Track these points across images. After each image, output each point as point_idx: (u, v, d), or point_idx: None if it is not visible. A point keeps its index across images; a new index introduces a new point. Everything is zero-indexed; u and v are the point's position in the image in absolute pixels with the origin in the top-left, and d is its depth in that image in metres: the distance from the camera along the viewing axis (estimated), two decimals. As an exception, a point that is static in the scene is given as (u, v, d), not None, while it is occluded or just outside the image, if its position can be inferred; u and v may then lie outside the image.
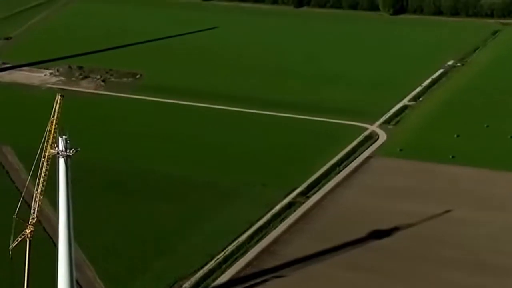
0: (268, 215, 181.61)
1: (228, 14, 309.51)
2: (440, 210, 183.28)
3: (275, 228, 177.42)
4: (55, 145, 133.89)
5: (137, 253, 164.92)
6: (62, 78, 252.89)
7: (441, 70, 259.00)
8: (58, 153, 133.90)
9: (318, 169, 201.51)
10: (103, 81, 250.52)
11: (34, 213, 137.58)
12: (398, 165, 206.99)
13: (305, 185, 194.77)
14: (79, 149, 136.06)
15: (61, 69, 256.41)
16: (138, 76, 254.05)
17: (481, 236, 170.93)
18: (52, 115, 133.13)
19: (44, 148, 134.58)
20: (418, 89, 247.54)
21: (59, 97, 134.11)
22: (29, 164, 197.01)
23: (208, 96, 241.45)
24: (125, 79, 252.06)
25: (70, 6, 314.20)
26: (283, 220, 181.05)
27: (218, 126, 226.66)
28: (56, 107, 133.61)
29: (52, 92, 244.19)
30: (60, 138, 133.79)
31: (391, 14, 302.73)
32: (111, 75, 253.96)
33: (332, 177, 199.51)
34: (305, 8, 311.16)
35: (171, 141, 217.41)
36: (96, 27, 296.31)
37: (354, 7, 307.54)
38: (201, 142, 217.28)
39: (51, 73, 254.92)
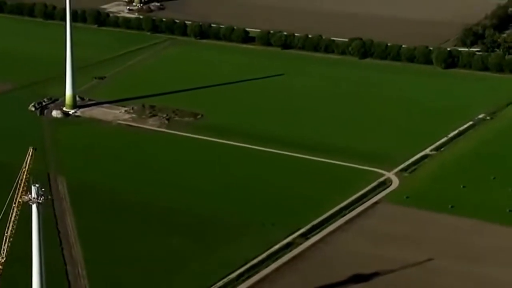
0: (265, 254, 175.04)
1: (296, 62, 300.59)
2: (423, 258, 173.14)
3: (266, 267, 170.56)
4: (28, 193, 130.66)
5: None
6: (133, 115, 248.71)
7: (470, 123, 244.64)
8: (30, 199, 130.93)
9: (327, 212, 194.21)
10: (168, 119, 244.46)
11: (3, 253, 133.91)
12: (400, 212, 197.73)
13: (309, 226, 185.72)
14: (49, 196, 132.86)
15: (135, 107, 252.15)
16: (199, 116, 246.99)
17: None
18: (24, 166, 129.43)
19: (15, 196, 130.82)
20: (444, 139, 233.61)
21: (32, 150, 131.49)
22: (75, 196, 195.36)
23: (255, 138, 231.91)
24: (186, 119, 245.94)
25: (167, 50, 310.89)
26: (277, 259, 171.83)
27: (252, 165, 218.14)
28: (28, 159, 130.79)
29: (121, 129, 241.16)
30: (33, 187, 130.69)
31: (443, 68, 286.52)
32: (176, 114, 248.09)
33: (337, 220, 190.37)
34: (368, 60, 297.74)
35: (204, 178, 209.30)
36: (180, 70, 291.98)
37: (411, 60, 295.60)
38: (232, 181, 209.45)
39: (126, 111, 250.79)
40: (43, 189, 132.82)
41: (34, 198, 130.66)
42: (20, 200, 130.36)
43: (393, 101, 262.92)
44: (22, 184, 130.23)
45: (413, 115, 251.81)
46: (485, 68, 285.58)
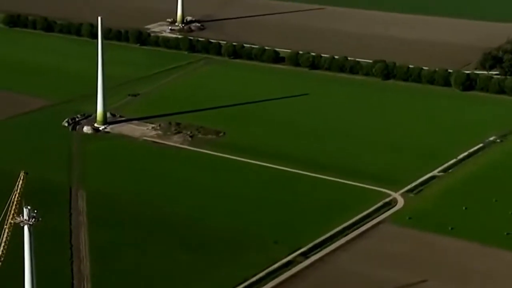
0: (264, 272, 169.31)
1: (322, 82, 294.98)
2: (416, 279, 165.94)
3: (263, 286, 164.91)
4: (20, 214, 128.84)
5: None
6: (159, 132, 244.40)
7: (480, 145, 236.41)
8: (22, 221, 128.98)
9: (331, 231, 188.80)
10: (191, 136, 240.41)
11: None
12: (401, 233, 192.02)
13: (311, 245, 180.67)
14: (40, 218, 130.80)
15: (162, 124, 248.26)
16: (221, 134, 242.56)
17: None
18: (16, 189, 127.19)
19: (7, 217, 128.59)
20: (453, 161, 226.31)
21: (23, 174, 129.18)
22: (93, 210, 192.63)
23: (271, 156, 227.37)
24: (209, 136, 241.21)
25: (201, 69, 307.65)
26: (275, 278, 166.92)
27: (264, 183, 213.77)
28: (20, 182, 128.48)
29: (146, 145, 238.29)
30: (24, 209, 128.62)
31: (461, 90, 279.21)
32: (199, 131, 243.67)
33: (339, 239, 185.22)
34: (391, 81, 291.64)
35: (216, 195, 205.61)
36: (211, 88, 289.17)
37: (431, 82, 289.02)
38: (244, 198, 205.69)
39: (153, 127, 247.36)
40: (35, 211, 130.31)
41: (25, 220, 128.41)
42: (11, 222, 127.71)
43: (408, 122, 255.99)
44: (13, 206, 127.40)
45: (426, 136, 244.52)
46: (502, 91, 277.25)
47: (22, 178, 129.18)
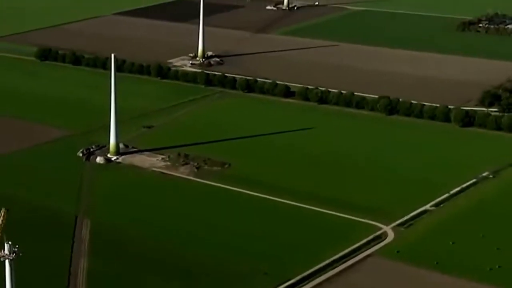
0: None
1: (329, 116, 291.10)
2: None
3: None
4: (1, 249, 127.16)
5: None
6: (168, 163, 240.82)
7: (473, 180, 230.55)
8: (3, 256, 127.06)
9: (320, 263, 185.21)
10: (197, 168, 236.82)
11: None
12: (388, 266, 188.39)
13: (299, 277, 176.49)
14: (21, 253, 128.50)
15: (171, 156, 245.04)
16: (226, 166, 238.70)
17: None
18: None
19: None
20: (445, 195, 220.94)
21: (4, 210, 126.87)
22: (95, 239, 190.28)
23: (272, 189, 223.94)
24: (214, 168, 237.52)
25: (215, 103, 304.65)
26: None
27: (261, 215, 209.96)
28: (0, 219, 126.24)
29: (154, 176, 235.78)
30: (6, 244, 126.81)
31: (460, 126, 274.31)
32: (206, 163, 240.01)
33: (327, 272, 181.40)
34: (394, 116, 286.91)
35: (215, 226, 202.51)
36: (222, 121, 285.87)
37: (432, 118, 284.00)
38: (240, 230, 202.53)
39: (162, 158, 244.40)
40: (17, 246, 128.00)
41: (6, 254, 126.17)
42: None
43: (406, 157, 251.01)
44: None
45: (421, 171, 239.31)
46: (499, 128, 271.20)
47: (2, 214, 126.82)
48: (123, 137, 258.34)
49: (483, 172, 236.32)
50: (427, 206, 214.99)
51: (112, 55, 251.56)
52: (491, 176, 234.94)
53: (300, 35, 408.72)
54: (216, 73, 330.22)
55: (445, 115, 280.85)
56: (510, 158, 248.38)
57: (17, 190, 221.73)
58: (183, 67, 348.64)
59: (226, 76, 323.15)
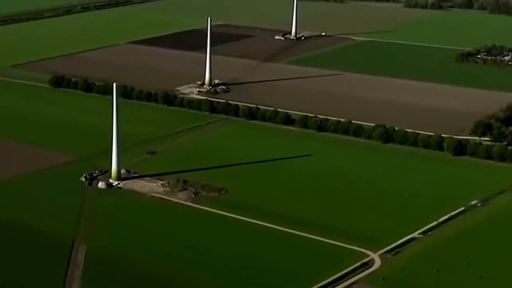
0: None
1: (327, 144, 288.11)
2: None
3: None
4: None
5: None
6: (167, 189, 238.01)
7: (462, 208, 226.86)
8: None
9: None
10: (195, 194, 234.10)
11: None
12: None
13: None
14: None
15: (171, 181, 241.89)
16: (223, 192, 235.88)
17: None
18: None
19: None
20: (434, 223, 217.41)
21: None
22: (90, 264, 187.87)
23: (266, 215, 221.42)
24: (211, 193, 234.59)
25: (218, 129, 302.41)
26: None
27: (252, 240, 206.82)
28: None
29: (152, 201, 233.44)
30: None
31: (452, 155, 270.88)
32: (204, 188, 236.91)
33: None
34: (390, 144, 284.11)
35: (205, 251, 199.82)
36: (223, 147, 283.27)
37: (426, 146, 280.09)
38: (230, 256, 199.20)
39: (162, 184, 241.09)
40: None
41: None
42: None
43: (399, 184, 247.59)
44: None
45: (412, 198, 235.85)
46: (490, 157, 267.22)
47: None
48: (127, 162, 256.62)
49: (472, 201, 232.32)
50: (415, 234, 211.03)
51: (114, 84, 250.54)
52: (479, 204, 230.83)
53: (305, 65, 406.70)
54: (220, 100, 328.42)
55: (438, 144, 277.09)
56: (499, 186, 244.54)
57: (17, 213, 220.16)
58: (190, 94, 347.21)
59: (230, 104, 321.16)
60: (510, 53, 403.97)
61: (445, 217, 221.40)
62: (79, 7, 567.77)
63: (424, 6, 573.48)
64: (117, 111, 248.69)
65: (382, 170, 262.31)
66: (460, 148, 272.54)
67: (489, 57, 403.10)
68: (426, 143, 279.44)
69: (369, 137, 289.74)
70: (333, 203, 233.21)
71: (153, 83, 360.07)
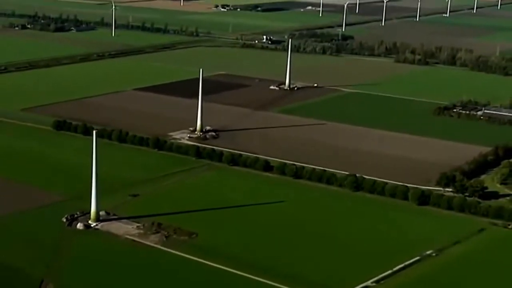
0: None
1: (301, 191, 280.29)
2: None
3: None
4: None
5: None
6: (141, 231, 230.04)
7: (417, 258, 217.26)
8: None
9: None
10: (166, 237, 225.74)
11: None
12: None
13: None
14: None
15: (146, 224, 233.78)
16: (193, 236, 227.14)
17: None
18: None
19: None
20: (388, 272, 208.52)
21: None
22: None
23: (231, 260, 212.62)
24: (182, 237, 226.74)
25: (201, 174, 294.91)
26: None
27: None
28: None
29: (125, 243, 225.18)
30: None
31: (416, 205, 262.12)
32: (175, 232, 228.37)
33: None
34: (360, 193, 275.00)
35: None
36: (203, 193, 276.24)
37: (393, 196, 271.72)
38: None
39: (137, 226, 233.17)
40: None
41: None
42: None
43: (361, 232, 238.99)
44: None
45: (371, 247, 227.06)
46: (450, 208, 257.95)
47: None
48: (110, 204, 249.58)
49: (428, 250, 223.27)
50: (369, 282, 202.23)
51: (94, 132, 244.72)
52: (434, 254, 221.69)
53: (293, 113, 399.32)
54: (206, 146, 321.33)
55: (404, 194, 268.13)
56: (456, 237, 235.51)
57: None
58: (181, 139, 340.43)
59: (214, 150, 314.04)
60: (483, 108, 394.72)
61: (400, 266, 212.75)
62: (95, 55, 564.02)
63: (412, 62, 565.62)
64: (96, 156, 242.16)
65: (348, 218, 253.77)
66: (423, 199, 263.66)
67: (464, 111, 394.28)
68: (393, 192, 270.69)
69: (340, 185, 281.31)
70: (299, 251, 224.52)
71: (150, 127, 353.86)
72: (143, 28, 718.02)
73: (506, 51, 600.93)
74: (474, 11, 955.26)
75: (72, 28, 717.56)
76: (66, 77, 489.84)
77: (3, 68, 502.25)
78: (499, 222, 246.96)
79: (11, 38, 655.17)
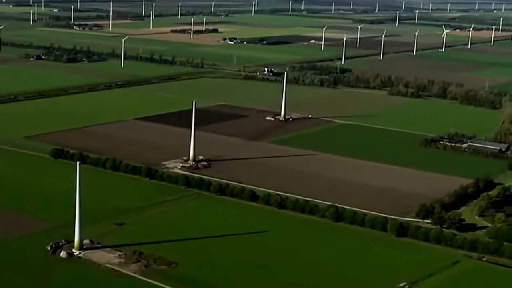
0: None
1: (284, 222, 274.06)
2: None
3: None
4: None
5: None
6: (122, 260, 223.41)
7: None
8: None
9: None
10: (146, 266, 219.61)
11: None
12: None
13: None
14: None
15: (128, 253, 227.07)
16: (173, 265, 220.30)
17: None
18: None
19: None
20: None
21: None
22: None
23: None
24: (162, 267, 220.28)
25: (188, 204, 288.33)
26: None
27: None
28: None
29: (105, 272, 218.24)
30: None
31: (395, 236, 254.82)
32: (155, 261, 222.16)
33: None
34: (341, 223, 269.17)
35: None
36: (188, 221, 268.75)
37: (372, 227, 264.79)
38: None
39: (119, 255, 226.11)
40: None
41: None
42: None
43: (337, 264, 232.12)
44: None
45: (345, 279, 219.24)
46: (428, 240, 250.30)
47: None
48: (95, 232, 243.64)
49: (401, 283, 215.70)
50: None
51: (78, 163, 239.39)
52: (407, 286, 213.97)
53: (285, 144, 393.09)
54: (195, 175, 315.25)
55: (383, 225, 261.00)
56: (431, 269, 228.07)
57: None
58: (173, 169, 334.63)
59: (203, 179, 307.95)
60: (468, 141, 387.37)
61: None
62: (103, 85, 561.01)
63: (405, 95, 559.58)
64: (80, 186, 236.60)
65: (327, 249, 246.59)
66: (402, 230, 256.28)
67: (450, 144, 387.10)
68: (372, 223, 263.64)
69: (322, 216, 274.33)
70: (278, 281, 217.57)
71: (145, 156, 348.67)
72: (151, 59, 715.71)
73: (495, 85, 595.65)
74: (469, 47, 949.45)
75: (84, 59, 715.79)
76: (72, 106, 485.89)
77: (13, 97, 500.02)
78: (474, 254, 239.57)
79: (25, 68, 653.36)
